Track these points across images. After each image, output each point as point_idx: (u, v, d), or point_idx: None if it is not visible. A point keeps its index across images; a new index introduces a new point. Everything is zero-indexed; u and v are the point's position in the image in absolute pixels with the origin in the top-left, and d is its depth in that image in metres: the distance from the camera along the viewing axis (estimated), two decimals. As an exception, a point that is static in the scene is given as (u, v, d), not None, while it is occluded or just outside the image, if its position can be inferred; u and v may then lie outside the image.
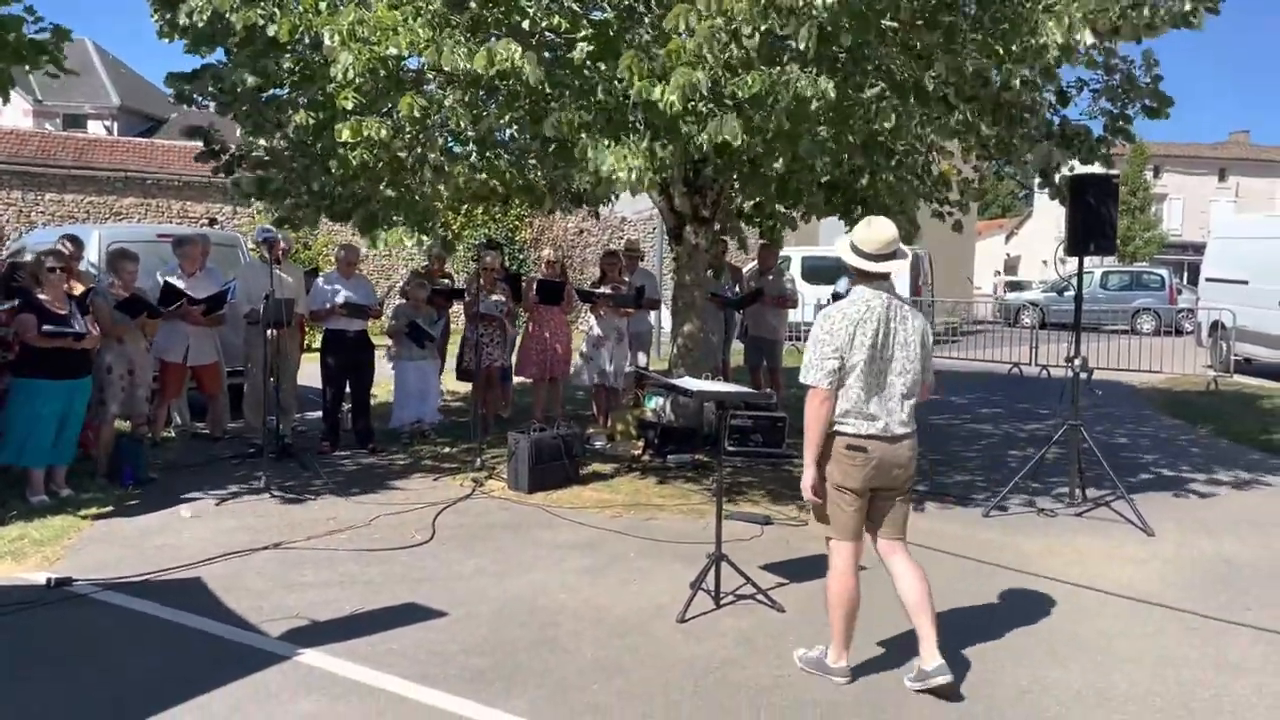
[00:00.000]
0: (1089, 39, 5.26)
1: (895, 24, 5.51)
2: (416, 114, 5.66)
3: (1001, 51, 5.72)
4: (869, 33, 5.32)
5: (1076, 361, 6.96)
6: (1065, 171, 7.26)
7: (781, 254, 10.94)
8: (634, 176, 5.21)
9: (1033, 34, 5.40)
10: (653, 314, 10.51)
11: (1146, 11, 5.57)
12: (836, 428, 3.97)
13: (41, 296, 6.53)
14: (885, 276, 4.06)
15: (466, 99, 5.78)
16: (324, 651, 4.27)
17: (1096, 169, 7.30)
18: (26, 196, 19.20)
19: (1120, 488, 6.68)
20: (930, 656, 3.95)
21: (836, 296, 9.81)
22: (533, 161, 6.50)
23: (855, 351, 3.91)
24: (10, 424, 6.49)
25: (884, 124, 5.70)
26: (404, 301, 9.04)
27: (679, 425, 8.37)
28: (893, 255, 4.04)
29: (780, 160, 5.98)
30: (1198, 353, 16.07)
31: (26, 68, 7.15)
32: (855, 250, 4.04)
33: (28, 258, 8.70)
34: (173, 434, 8.92)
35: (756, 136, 5.49)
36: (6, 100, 7.58)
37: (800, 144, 5.73)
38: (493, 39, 5.91)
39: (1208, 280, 16.38)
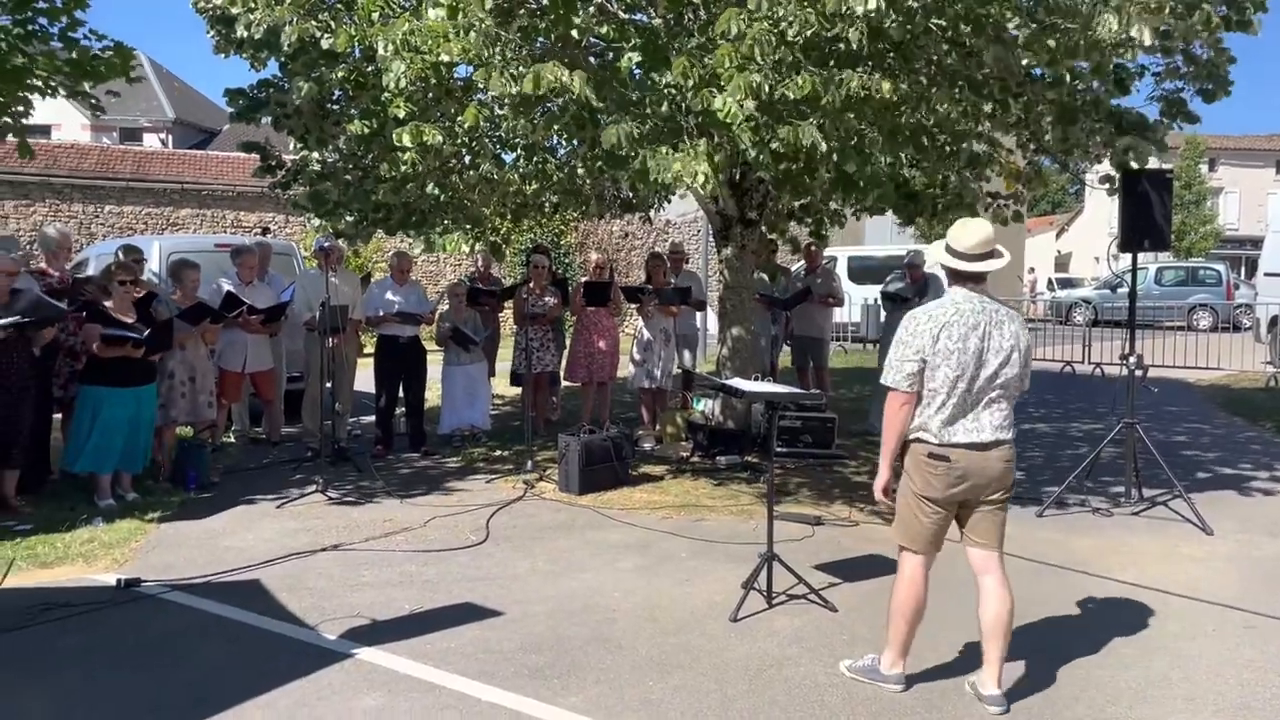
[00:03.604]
0: (1147, 38, 5.15)
1: (941, 22, 5.49)
2: (482, 123, 5.74)
3: (1054, 46, 5.66)
4: (916, 29, 5.30)
5: (1131, 359, 6.87)
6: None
7: (827, 253, 10.90)
8: (701, 180, 5.19)
9: (1087, 27, 5.33)
10: (698, 315, 10.55)
11: (1198, 15, 5.49)
12: (918, 435, 3.81)
13: (107, 304, 6.74)
14: (980, 278, 3.85)
15: (517, 112, 5.84)
16: (384, 649, 4.36)
17: (1152, 163, 7.14)
18: (87, 209, 19.71)
19: (1178, 486, 6.59)
20: (990, 683, 3.82)
21: (885, 296, 9.79)
22: (580, 169, 6.54)
23: (939, 355, 3.72)
24: (78, 430, 6.70)
25: (938, 110, 5.63)
26: (447, 308, 9.18)
27: (728, 427, 8.39)
28: (989, 255, 3.82)
29: (853, 163, 5.86)
30: (1256, 349, 15.73)
31: (91, 84, 7.43)
32: (949, 250, 3.86)
33: (90, 269, 8.98)
34: (232, 439, 9.14)
35: (834, 141, 5.44)
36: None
37: (873, 146, 5.70)
38: (539, 45, 6.00)
39: (1266, 275, 16.05)
